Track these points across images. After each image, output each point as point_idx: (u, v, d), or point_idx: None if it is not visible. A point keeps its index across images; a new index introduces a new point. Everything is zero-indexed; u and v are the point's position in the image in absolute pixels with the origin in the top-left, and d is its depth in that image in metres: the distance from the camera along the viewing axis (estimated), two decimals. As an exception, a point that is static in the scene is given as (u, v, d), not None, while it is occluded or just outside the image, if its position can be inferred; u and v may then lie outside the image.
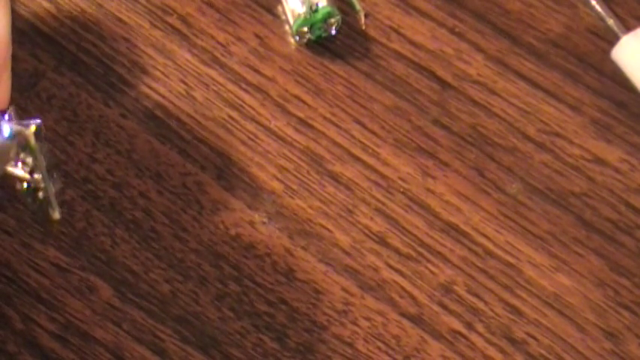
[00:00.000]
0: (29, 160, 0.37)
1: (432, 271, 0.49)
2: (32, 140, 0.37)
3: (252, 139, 0.51)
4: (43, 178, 0.38)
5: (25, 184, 0.38)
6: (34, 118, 0.37)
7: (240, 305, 0.47)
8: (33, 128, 0.36)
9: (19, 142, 0.37)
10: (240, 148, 0.51)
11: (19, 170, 0.38)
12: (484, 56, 0.54)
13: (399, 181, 0.51)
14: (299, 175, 0.50)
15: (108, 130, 0.51)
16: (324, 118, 0.52)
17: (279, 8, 0.54)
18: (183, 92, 0.52)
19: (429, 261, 0.49)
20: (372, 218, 0.50)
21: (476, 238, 0.50)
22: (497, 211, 0.50)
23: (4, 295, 0.47)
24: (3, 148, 0.37)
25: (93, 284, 0.47)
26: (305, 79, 0.53)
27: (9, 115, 0.37)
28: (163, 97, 0.52)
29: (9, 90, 0.41)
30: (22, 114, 0.38)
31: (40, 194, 0.39)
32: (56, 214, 0.39)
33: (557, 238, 0.50)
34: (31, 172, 0.38)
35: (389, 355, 0.47)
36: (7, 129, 0.37)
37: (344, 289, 0.48)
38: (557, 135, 0.52)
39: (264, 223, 0.49)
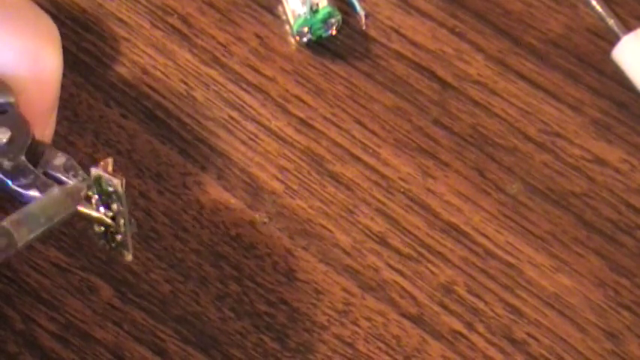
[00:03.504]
0: (114, 206, 0.40)
1: (432, 272, 0.49)
2: (120, 189, 0.39)
3: (253, 139, 0.51)
4: (125, 224, 0.40)
5: (102, 227, 0.41)
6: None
7: (240, 305, 0.47)
8: (121, 179, 0.39)
9: (105, 190, 0.40)
10: (241, 148, 0.51)
11: (102, 215, 0.40)
12: (484, 56, 0.54)
13: (400, 182, 0.51)
14: (299, 176, 0.50)
15: (108, 130, 0.51)
16: (325, 118, 0.52)
17: (280, 8, 0.54)
18: (184, 92, 0.52)
19: (429, 261, 0.49)
20: (372, 218, 0.50)
21: (476, 238, 0.50)
22: (497, 212, 0.50)
23: (5, 295, 0.47)
24: (77, 189, 0.40)
25: (93, 284, 0.47)
26: (305, 79, 0.53)
27: (98, 165, 0.40)
28: (164, 97, 0.52)
29: (53, 129, 0.43)
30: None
31: (118, 237, 0.41)
32: (130, 257, 0.42)
33: (557, 239, 0.50)
34: (112, 218, 0.40)
35: (389, 356, 0.47)
36: (95, 173, 0.40)
37: (344, 290, 0.48)
38: (558, 135, 0.52)
39: (264, 223, 0.49)
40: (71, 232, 0.48)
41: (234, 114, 0.52)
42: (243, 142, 0.51)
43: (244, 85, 0.52)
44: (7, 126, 0.41)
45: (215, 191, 0.50)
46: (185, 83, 0.52)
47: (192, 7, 0.54)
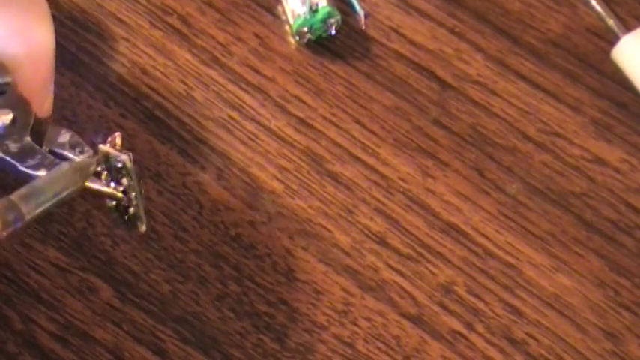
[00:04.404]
0: (124, 180, 0.41)
1: (432, 272, 0.49)
2: (129, 164, 0.40)
3: (252, 140, 0.51)
4: (136, 197, 0.41)
5: (114, 202, 0.42)
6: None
7: (240, 305, 0.47)
8: (128, 155, 0.40)
9: (114, 166, 0.41)
10: (240, 149, 0.51)
11: (113, 190, 0.41)
12: (484, 56, 0.54)
13: (399, 182, 0.51)
14: (299, 176, 0.50)
15: (108, 130, 0.51)
16: (324, 118, 0.52)
17: (279, 8, 0.54)
18: (183, 92, 0.52)
19: (429, 261, 0.49)
20: (372, 218, 0.50)
21: (476, 238, 0.50)
22: (497, 212, 0.50)
23: (5, 295, 0.47)
24: (86, 164, 0.40)
25: (93, 284, 0.47)
26: (305, 80, 0.53)
27: (107, 141, 0.41)
28: (163, 97, 0.52)
29: (52, 102, 0.44)
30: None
31: (131, 210, 0.42)
32: (144, 227, 0.42)
33: (557, 239, 0.50)
34: (124, 192, 0.41)
35: (389, 356, 0.47)
36: (102, 150, 0.40)
37: (344, 289, 0.48)
38: (557, 135, 0.52)
39: (264, 223, 0.49)
40: (71, 232, 0.48)
41: (234, 114, 0.52)
42: (243, 142, 0.51)
43: (244, 85, 0.52)
44: (8, 107, 0.41)
45: (215, 191, 0.50)
46: (185, 83, 0.52)
47: (192, 7, 0.54)
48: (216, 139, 0.51)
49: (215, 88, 0.52)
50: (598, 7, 0.55)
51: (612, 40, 0.54)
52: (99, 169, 0.41)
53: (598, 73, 0.54)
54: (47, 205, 0.38)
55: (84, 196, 0.48)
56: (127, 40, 0.53)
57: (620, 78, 0.54)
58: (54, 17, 0.44)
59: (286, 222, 0.49)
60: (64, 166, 0.40)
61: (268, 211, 0.49)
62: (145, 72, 0.52)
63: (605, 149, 0.52)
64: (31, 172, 0.40)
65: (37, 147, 0.40)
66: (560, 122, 0.53)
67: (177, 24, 0.54)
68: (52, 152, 0.41)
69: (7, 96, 0.41)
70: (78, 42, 0.53)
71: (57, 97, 0.50)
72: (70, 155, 0.41)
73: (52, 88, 0.45)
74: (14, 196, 0.37)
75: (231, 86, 0.52)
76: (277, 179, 0.50)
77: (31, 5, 0.43)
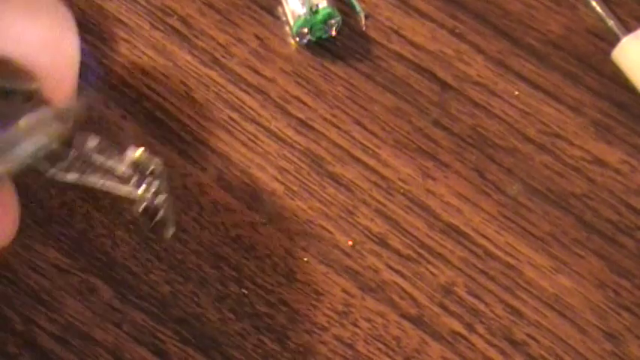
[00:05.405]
0: (154, 183, 0.41)
1: (432, 273, 0.49)
2: (160, 167, 0.41)
3: (253, 141, 0.51)
4: (166, 200, 0.42)
5: (143, 206, 0.42)
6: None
7: (240, 306, 0.47)
8: (160, 159, 0.41)
9: (144, 170, 0.41)
10: (241, 150, 0.51)
11: (144, 192, 0.42)
12: (484, 57, 0.54)
13: (400, 183, 0.51)
14: (299, 177, 0.50)
15: (108, 131, 0.51)
16: (325, 119, 0.52)
17: (280, 9, 0.54)
18: (184, 93, 0.52)
19: (429, 262, 0.49)
20: (372, 219, 0.50)
21: (476, 239, 0.50)
22: (497, 213, 0.50)
23: (5, 296, 0.47)
24: (64, 111, 0.40)
25: (93, 285, 0.47)
26: (305, 81, 0.53)
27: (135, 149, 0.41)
28: (164, 98, 0.52)
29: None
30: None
31: (160, 214, 0.42)
32: (169, 233, 0.43)
33: (557, 240, 0.50)
34: (154, 195, 0.42)
35: (389, 357, 0.47)
36: (137, 151, 0.41)
37: (344, 291, 0.48)
38: (558, 136, 0.52)
39: (264, 224, 0.49)
40: (71, 233, 0.48)
41: (234, 115, 0.52)
42: (243, 143, 0.51)
43: (244, 86, 0.52)
44: (34, 111, 0.41)
45: (215, 192, 0.50)
46: (185, 84, 0.52)
47: (192, 8, 0.54)
48: (216, 140, 0.51)
49: (215, 89, 0.52)
50: (598, 8, 0.55)
51: (613, 41, 0.54)
52: (128, 171, 0.41)
53: (598, 74, 0.54)
54: (24, 158, 0.37)
55: (85, 198, 0.48)
56: (127, 41, 0.53)
57: (620, 79, 0.53)
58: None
59: (286, 223, 0.49)
60: (42, 112, 0.39)
61: (269, 212, 0.49)
62: (145, 73, 0.52)
63: (606, 150, 0.52)
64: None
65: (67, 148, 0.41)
66: (561, 123, 0.52)
67: (178, 25, 0.54)
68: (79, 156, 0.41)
69: (34, 102, 0.41)
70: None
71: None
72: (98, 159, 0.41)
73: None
74: None
75: (231, 87, 0.52)
76: (277, 180, 0.50)
77: (60, 19, 0.43)
